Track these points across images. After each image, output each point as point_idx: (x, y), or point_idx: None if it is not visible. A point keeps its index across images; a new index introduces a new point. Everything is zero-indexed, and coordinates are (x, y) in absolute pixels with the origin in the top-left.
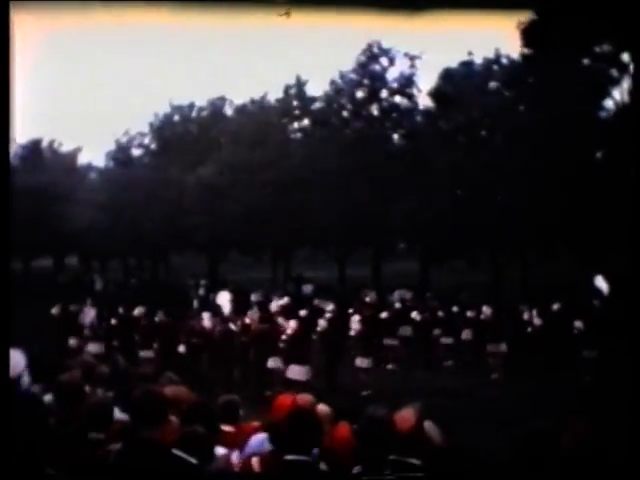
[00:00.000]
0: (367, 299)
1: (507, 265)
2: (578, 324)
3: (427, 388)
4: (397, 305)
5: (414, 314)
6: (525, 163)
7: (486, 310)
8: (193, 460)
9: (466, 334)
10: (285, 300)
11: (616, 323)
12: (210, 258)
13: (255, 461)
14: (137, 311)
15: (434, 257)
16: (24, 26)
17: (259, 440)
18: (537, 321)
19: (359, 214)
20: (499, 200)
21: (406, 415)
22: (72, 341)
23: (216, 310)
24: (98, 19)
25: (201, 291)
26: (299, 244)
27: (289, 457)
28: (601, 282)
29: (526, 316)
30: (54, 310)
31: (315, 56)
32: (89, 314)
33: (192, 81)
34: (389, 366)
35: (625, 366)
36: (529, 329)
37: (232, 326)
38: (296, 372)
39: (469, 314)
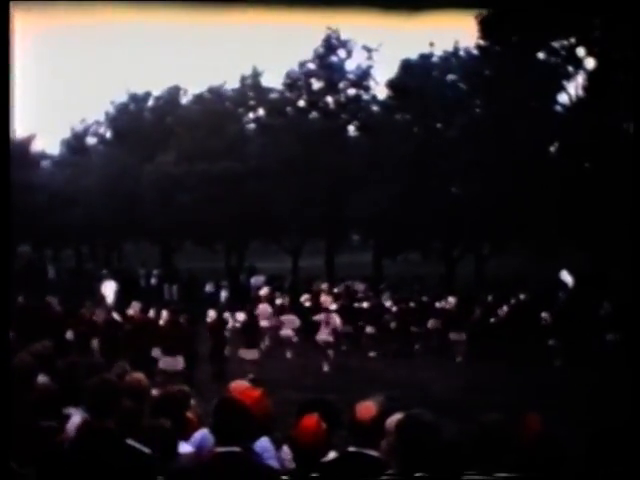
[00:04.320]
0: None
1: (461, 258)
2: (544, 315)
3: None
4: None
5: (388, 304)
6: (480, 155)
7: (451, 300)
8: (147, 450)
9: (432, 323)
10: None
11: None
12: (164, 248)
13: (197, 456)
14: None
15: (388, 249)
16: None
17: (203, 434)
18: (498, 312)
19: (313, 205)
20: (454, 192)
21: (367, 406)
22: None
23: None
24: (61, 16)
25: (153, 280)
26: (253, 235)
27: (219, 449)
28: (566, 276)
29: (482, 307)
30: None
31: (273, 48)
32: None
33: (151, 73)
34: (371, 354)
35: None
36: (492, 319)
37: (116, 316)
38: (168, 362)
39: (438, 305)
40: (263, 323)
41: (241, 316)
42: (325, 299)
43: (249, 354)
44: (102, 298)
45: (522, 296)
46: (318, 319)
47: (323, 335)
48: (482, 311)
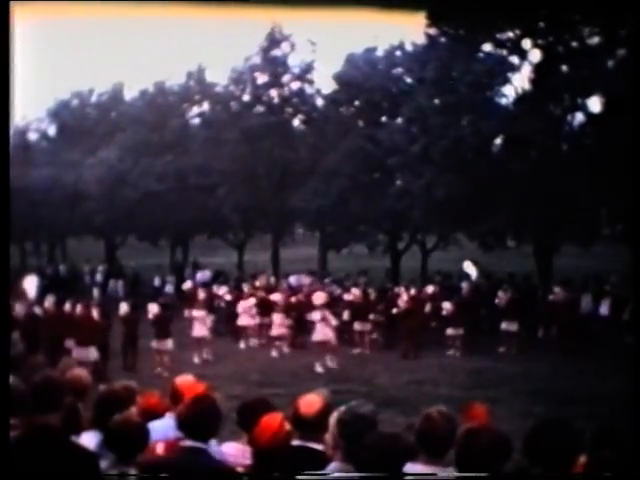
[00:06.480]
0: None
1: (406, 251)
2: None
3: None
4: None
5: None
6: (425, 148)
7: (355, 291)
8: (90, 449)
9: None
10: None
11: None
12: (107, 243)
13: (160, 447)
14: None
15: (334, 243)
16: None
17: (165, 425)
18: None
19: (259, 199)
20: (399, 185)
21: (312, 400)
22: None
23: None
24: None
25: (98, 277)
26: (198, 229)
27: (187, 443)
28: (469, 267)
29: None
30: None
31: (218, 43)
32: None
33: (95, 68)
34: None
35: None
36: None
37: (36, 310)
38: (82, 353)
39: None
40: (247, 321)
41: (154, 308)
42: (317, 296)
43: (161, 344)
44: (23, 293)
45: (431, 287)
46: (315, 318)
47: (321, 335)
48: (386, 302)
